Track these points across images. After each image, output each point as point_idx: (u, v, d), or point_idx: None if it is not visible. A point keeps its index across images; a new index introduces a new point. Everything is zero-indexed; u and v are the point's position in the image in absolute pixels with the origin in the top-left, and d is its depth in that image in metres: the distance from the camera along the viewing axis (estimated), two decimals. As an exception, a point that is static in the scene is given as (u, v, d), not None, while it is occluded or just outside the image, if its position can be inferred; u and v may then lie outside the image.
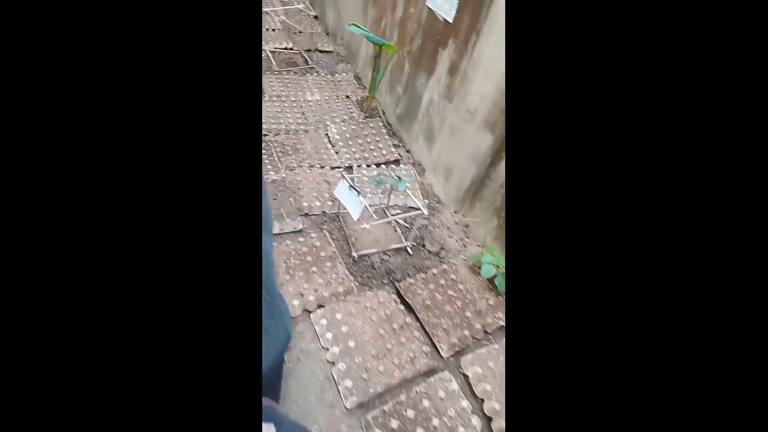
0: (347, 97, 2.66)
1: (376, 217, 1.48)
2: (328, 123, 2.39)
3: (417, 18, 2.12)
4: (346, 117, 2.45)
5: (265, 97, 2.48)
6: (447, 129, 1.97)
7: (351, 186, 1.56)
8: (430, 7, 2.00)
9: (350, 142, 2.29)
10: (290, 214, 1.75)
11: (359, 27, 2.05)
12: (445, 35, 1.93)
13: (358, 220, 1.53)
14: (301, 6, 3.57)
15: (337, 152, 2.23)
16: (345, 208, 1.62)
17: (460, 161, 1.89)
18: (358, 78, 2.92)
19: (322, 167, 2.09)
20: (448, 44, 1.92)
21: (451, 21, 1.87)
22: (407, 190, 1.60)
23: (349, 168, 2.16)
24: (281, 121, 2.33)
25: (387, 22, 2.43)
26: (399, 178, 1.61)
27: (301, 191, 1.89)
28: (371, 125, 2.41)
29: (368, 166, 2.19)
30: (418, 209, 1.62)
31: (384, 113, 2.58)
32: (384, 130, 2.40)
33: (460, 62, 1.85)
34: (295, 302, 1.44)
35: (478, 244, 1.87)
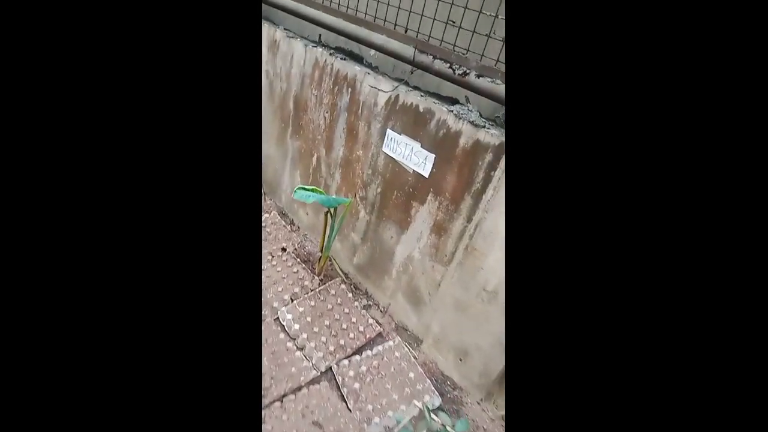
0: (284, 250, 2.08)
1: None
2: (275, 304, 1.78)
3: (370, 163, 1.73)
4: (296, 288, 1.87)
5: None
6: (449, 301, 1.58)
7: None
8: (388, 153, 1.63)
9: (314, 328, 1.72)
10: None
11: (308, 190, 1.55)
12: (420, 190, 1.57)
13: None
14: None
15: (302, 349, 1.64)
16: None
17: (482, 344, 1.51)
18: (284, 214, 2.36)
19: (297, 390, 1.48)
20: (427, 200, 1.56)
21: (426, 175, 1.52)
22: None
23: (327, 372, 1.59)
24: (209, 323, 1.64)
25: (321, 159, 1.97)
26: (446, 428, 1.14)
27: (288, 463, 1.26)
28: (331, 291, 1.88)
29: (348, 357, 1.65)
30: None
31: (336, 261, 2.07)
32: (350, 295, 1.90)
33: (451, 224, 1.50)
34: None
35: (527, 443, 1.48)
